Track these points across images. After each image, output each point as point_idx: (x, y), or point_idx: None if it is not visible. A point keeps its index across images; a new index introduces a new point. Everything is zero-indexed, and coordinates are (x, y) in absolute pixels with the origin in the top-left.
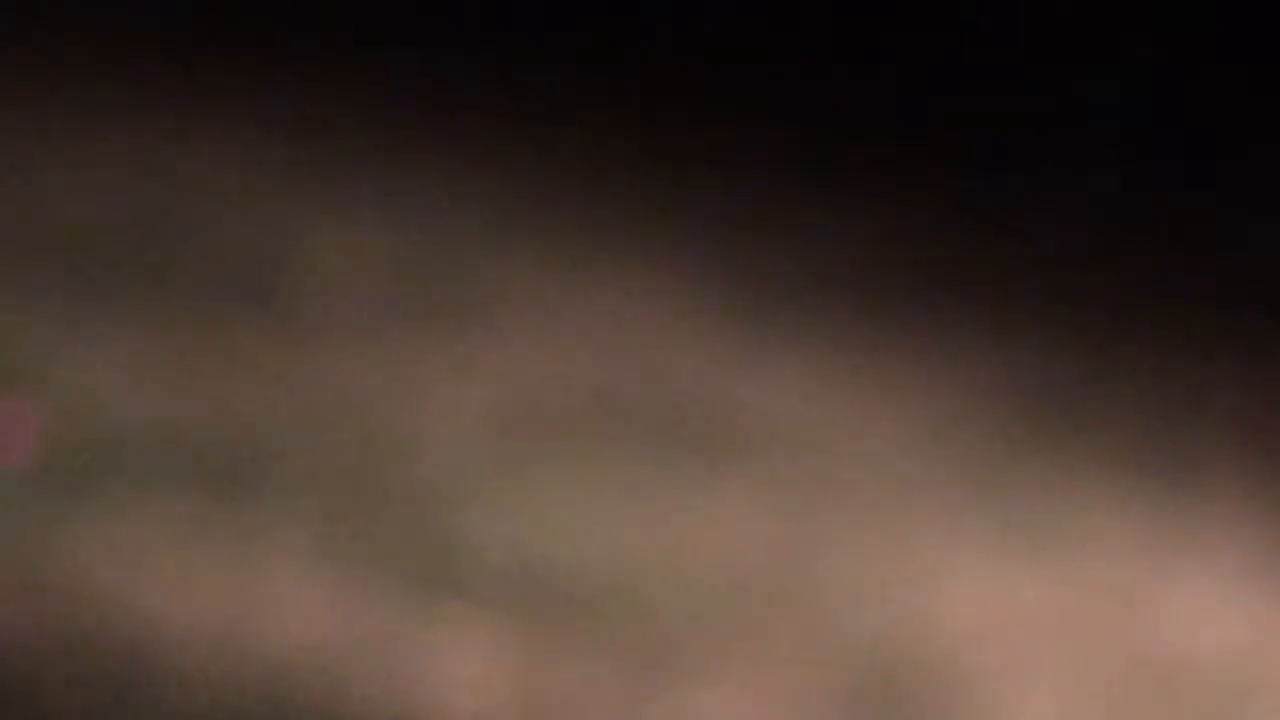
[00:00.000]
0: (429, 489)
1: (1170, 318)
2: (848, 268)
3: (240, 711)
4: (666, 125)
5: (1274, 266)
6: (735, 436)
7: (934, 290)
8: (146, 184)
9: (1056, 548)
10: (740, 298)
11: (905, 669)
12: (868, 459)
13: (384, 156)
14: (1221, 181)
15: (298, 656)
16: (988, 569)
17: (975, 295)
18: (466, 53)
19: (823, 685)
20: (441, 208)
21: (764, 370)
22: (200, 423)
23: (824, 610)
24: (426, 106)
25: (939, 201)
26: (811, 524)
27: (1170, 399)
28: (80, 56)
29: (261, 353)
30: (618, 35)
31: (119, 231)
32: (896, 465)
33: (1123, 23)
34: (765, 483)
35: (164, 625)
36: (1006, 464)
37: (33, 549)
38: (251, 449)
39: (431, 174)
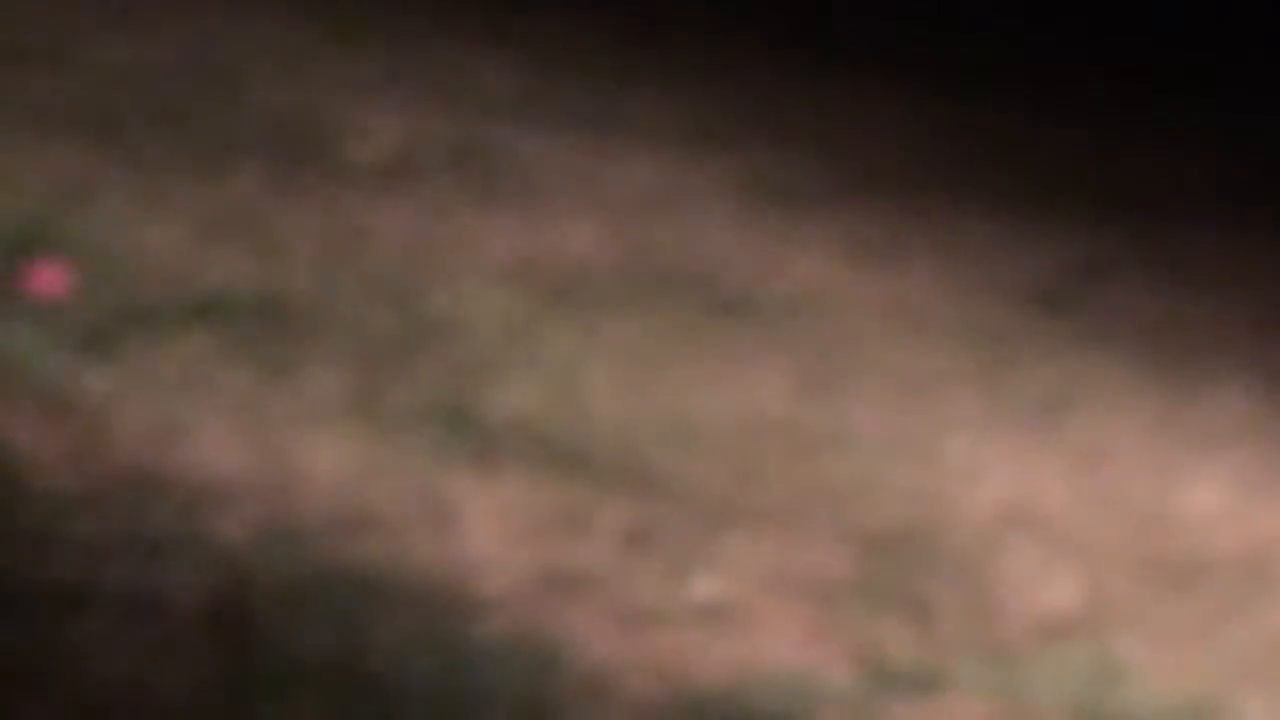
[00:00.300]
0: (466, 351)
1: (1183, 222)
2: (874, 156)
3: (269, 548)
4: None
5: None
6: (764, 303)
7: (956, 183)
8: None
9: (1072, 446)
10: (771, 175)
11: (930, 531)
12: (892, 332)
13: (429, 30)
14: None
15: (331, 504)
16: (1006, 451)
17: (998, 190)
18: None
19: (850, 533)
20: (483, 79)
21: (791, 243)
22: (252, 280)
23: (849, 465)
24: None
25: (959, 104)
26: (838, 385)
27: (1185, 302)
28: None
29: (309, 214)
30: None
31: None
32: (917, 340)
33: None
34: (791, 347)
35: (201, 471)
36: (1024, 354)
37: (75, 389)
38: (298, 308)
39: (471, 47)
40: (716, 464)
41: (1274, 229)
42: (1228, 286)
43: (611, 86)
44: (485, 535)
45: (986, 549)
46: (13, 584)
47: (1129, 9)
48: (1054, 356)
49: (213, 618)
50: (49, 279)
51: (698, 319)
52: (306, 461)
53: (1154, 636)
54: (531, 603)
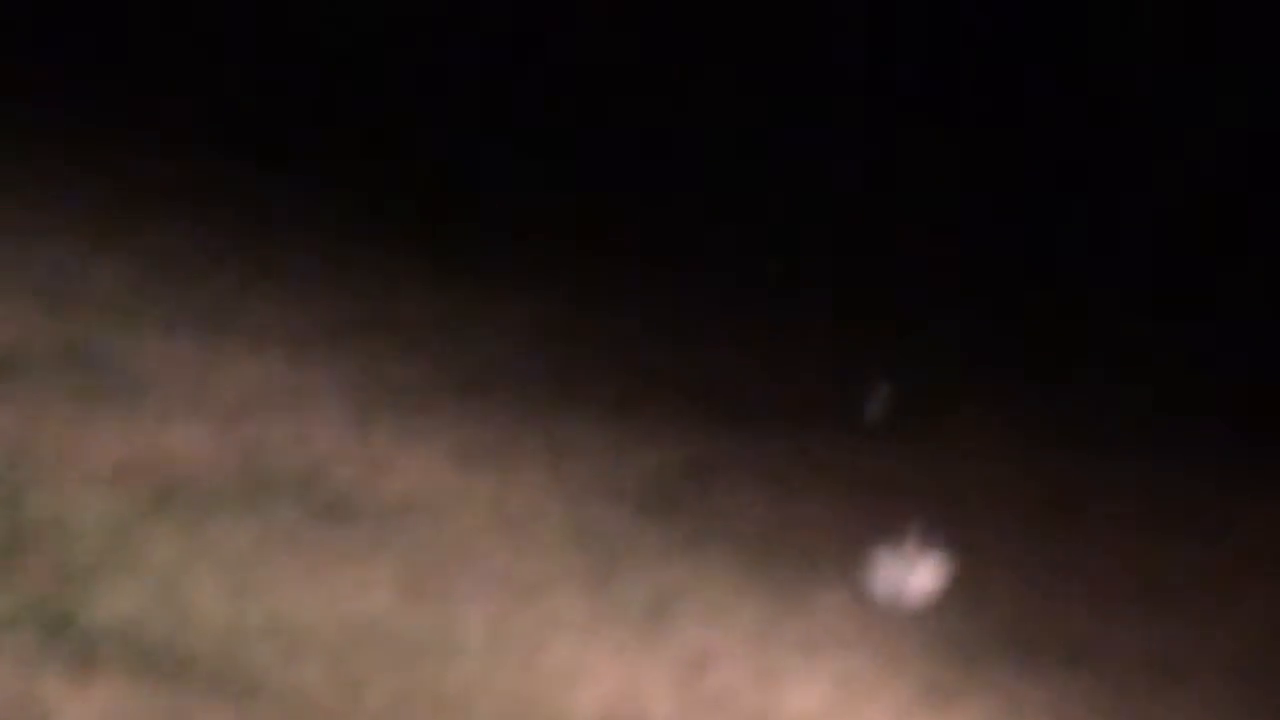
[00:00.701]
0: (68, 553)
1: (786, 425)
2: (487, 358)
3: None
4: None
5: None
6: (372, 505)
7: (566, 386)
8: None
9: (678, 650)
10: (385, 375)
11: None
12: (499, 534)
13: (38, 229)
14: None
15: None
16: (612, 656)
17: (606, 393)
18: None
19: None
20: (92, 278)
21: (401, 444)
22: None
23: (453, 671)
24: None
25: (569, 307)
26: (443, 589)
27: (788, 506)
28: None
29: None
30: None
31: None
32: (524, 543)
33: None
34: (398, 549)
35: None
36: (631, 557)
37: None
38: None
39: (81, 247)
40: (321, 670)
41: (866, 433)
42: (830, 490)
43: (224, 287)
44: None
45: None
46: None
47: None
48: (660, 560)
49: None
50: None
51: (305, 521)
52: None
53: None
54: None
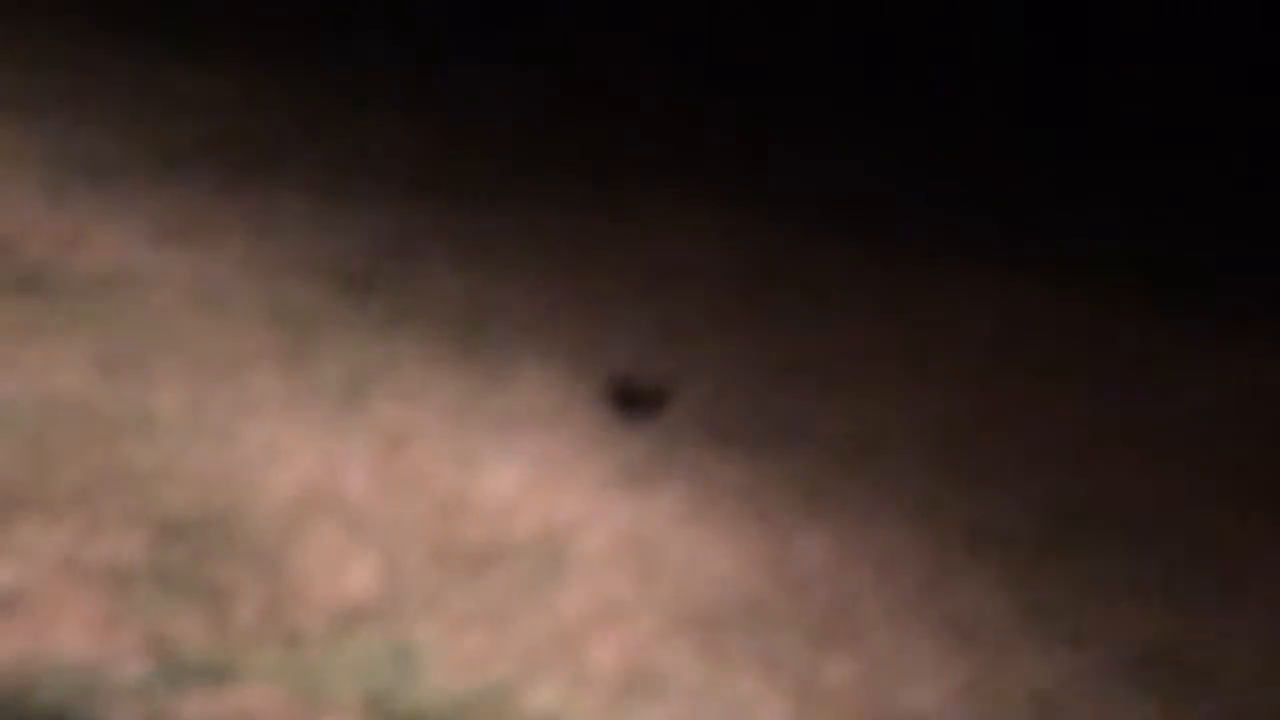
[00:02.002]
0: None
1: (487, 203)
2: (183, 132)
3: None
4: None
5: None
6: (65, 280)
7: (266, 162)
8: None
9: (375, 429)
10: (78, 147)
11: (228, 515)
12: (197, 312)
13: None
14: None
15: None
16: (309, 435)
17: (308, 169)
18: None
19: (146, 519)
20: None
21: (96, 219)
22: None
23: (147, 449)
24: None
25: (273, 81)
26: (138, 367)
27: (488, 286)
28: None
29: None
30: None
31: None
32: (222, 321)
33: None
34: (92, 326)
35: None
36: (329, 336)
37: None
38: None
39: None
40: (10, 448)
41: (576, 209)
42: (528, 270)
43: None
44: None
45: (285, 535)
46: None
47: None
48: (359, 339)
49: None
50: None
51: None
52: None
53: (450, 623)
54: None
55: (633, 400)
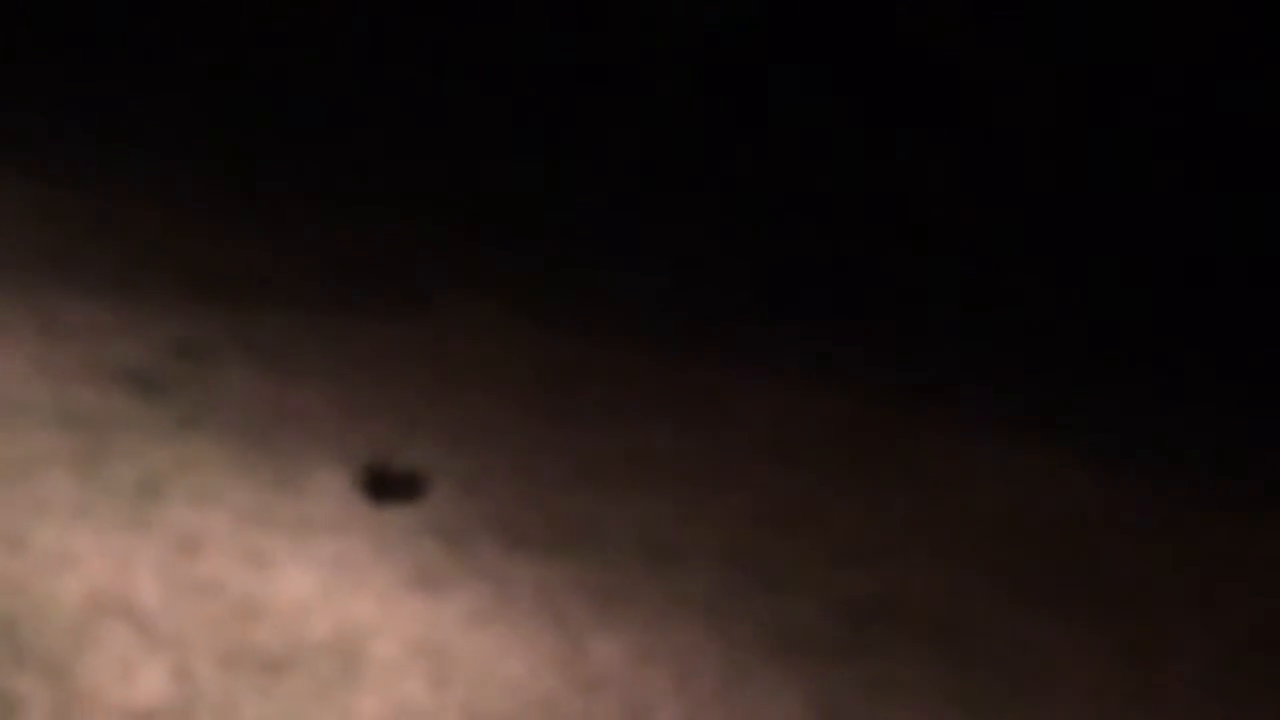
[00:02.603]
0: None
1: (278, 306)
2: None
3: None
4: None
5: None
6: None
7: (52, 265)
8: None
9: (168, 532)
10: None
11: (16, 622)
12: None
13: None
14: None
15: None
16: (100, 539)
17: (94, 272)
18: None
19: None
20: None
21: None
22: None
23: None
24: None
25: (54, 189)
26: None
27: (281, 388)
28: None
29: None
30: None
31: None
32: (10, 426)
33: None
34: None
35: None
36: (120, 440)
37: None
38: None
39: None
40: None
41: (363, 314)
42: (324, 371)
43: None
44: None
45: (76, 640)
46: None
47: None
48: (150, 442)
49: None
50: None
51: None
52: None
53: None
54: None
55: (385, 485)
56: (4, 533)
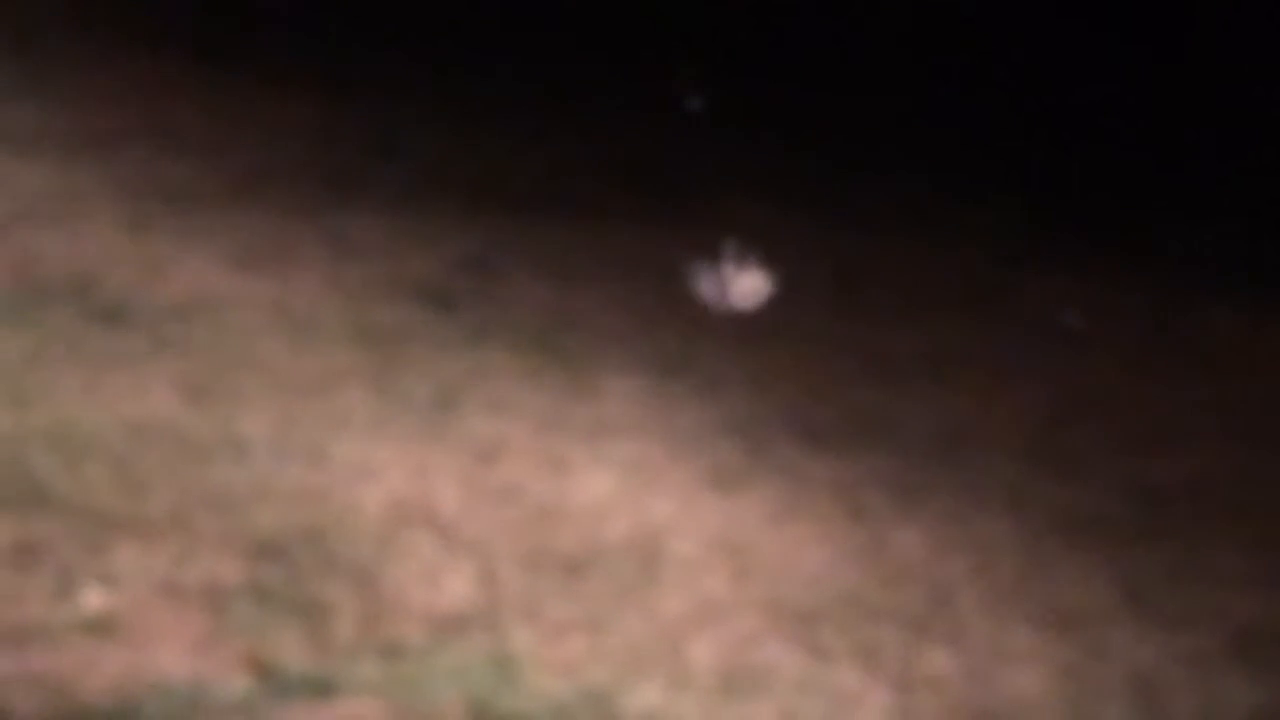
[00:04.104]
0: None
1: (564, 217)
2: (262, 159)
3: None
4: None
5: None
6: (149, 308)
7: (341, 184)
8: None
9: (465, 442)
10: (158, 178)
11: (323, 533)
12: (281, 335)
13: None
14: None
15: None
16: (399, 450)
17: (383, 190)
18: None
19: (241, 539)
20: None
21: (177, 247)
22: None
23: (239, 470)
24: None
25: (343, 105)
26: (226, 390)
27: (570, 297)
28: None
29: None
30: None
31: None
32: (306, 343)
33: None
34: (178, 352)
35: None
36: (414, 353)
37: None
38: None
39: None
40: (103, 475)
41: (647, 220)
42: (612, 278)
43: None
44: None
45: (381, 549)
46: None
47: None
48: (444, 354)
49: None
50: None
51: (82, 327)
52: None
53: (548, 629)
54: None
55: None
56: (305, 446)
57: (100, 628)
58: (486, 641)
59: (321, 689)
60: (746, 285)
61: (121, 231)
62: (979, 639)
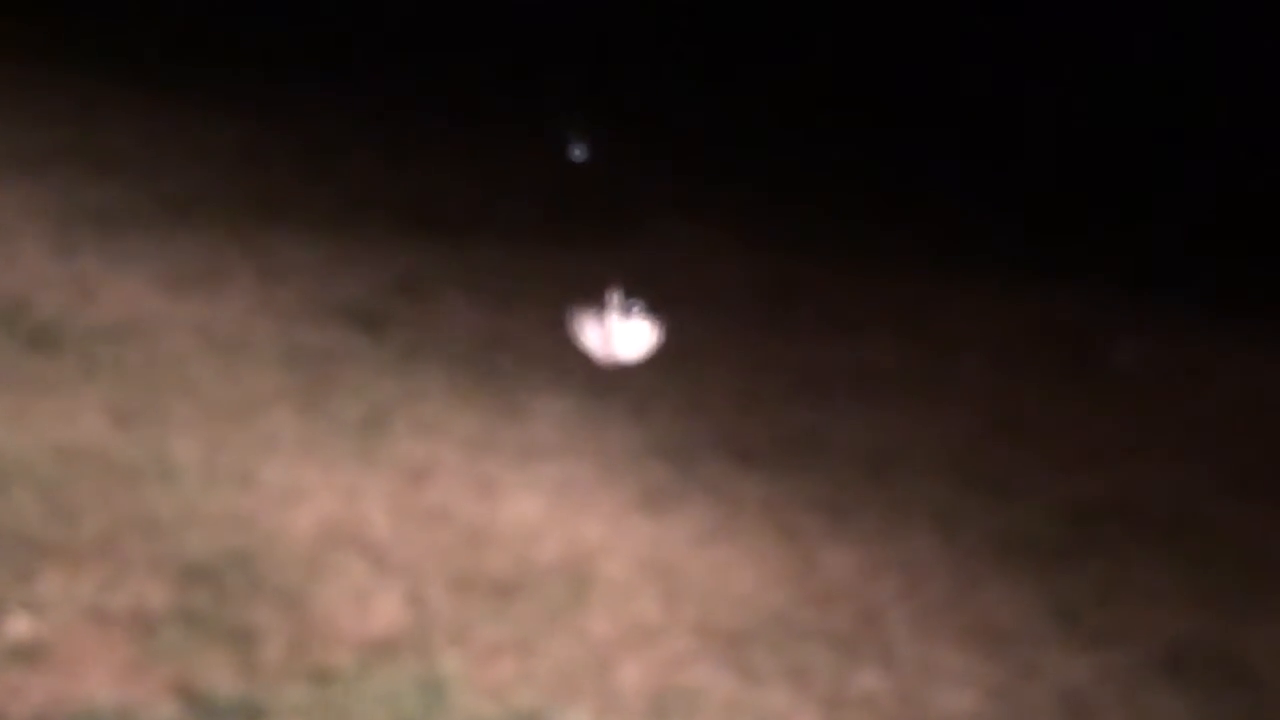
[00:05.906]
0: None
1: (492, 238)
2: (193, 181)
3: None
4: None
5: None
6: (78, 332)
7: (271, 207)
8: None
9: (395, 464)
10: (88, 200)
11: (252, 556)
12: (210, 358)
13: None
14: None
15: None
16: (329, 473)
17: (312, 213)
18: None
19: (169, 564)
20: None
21: (106, 270)
22: None
23: (167, 495)
24: None
25: (260, 128)
26: (154, 414)
27: (498, 319)
28: None
29: None
30: None
31: None
32: (236, 366)
33: None
34: (106, 376)
35: None
36: (344, 375)
37: None
38: None
39: None
40: (31, 501)
41: (577, 242)
42: (541, 299)
43: None
44: None
45: (310, 572)
46: None
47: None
48: (374, 376)
49: None
50: None
51: (10, 352)
52: None
53: (478, 651)
54: None
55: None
56: (234, 470)
57: (26, 655)
58: (416, 665)
59: (250, 714)
60: (631, 335)
61: (50, 254)
62: (909, 659)
